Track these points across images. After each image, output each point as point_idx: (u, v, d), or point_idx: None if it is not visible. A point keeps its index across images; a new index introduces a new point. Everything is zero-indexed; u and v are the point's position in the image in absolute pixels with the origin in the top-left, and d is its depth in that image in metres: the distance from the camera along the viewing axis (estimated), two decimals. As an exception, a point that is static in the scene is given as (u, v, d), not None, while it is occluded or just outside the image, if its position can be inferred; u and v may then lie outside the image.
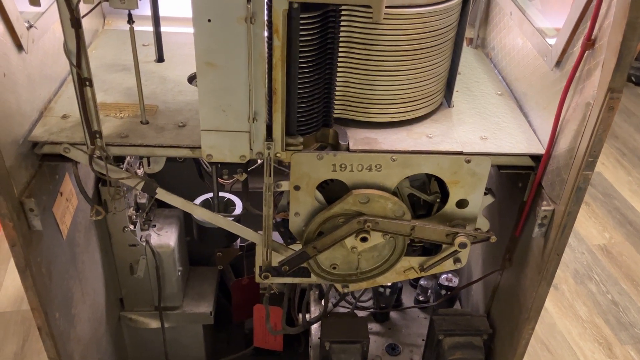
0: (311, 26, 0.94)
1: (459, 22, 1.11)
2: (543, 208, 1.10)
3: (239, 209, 1.40)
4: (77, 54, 0.91)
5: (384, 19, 0.95)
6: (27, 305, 2.11)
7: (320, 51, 0.97)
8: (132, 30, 0.99)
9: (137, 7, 0.92)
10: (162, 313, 1.62)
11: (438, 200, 1.12)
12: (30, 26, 1.06)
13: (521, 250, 1.23)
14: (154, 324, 1.65)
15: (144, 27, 1.30)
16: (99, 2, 0.94)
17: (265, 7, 0.89)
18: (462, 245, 1.10)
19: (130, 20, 0.98)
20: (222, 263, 1.41)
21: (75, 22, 0.88)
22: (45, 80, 1.14)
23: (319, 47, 0.97)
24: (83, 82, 0.94)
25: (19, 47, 1.01)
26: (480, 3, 1.44)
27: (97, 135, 0.99)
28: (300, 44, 0.95)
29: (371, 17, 0.90)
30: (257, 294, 1.69)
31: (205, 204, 1.38)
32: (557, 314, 2.24)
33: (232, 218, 1.24)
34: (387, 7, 0.90)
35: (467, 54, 1.44)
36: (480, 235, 1.12)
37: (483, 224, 1.14)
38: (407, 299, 1.71)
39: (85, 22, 0.89)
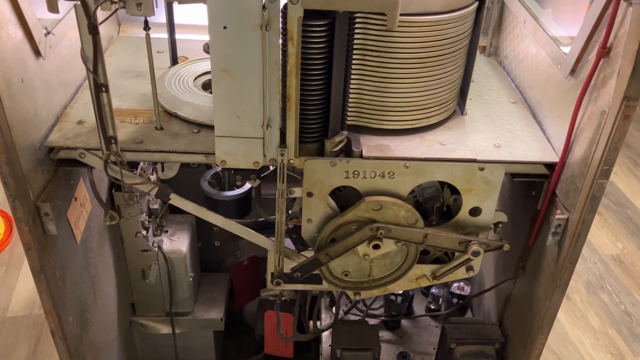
0: (324, 33, 0.94)
1: (473, 30, 1.11)
2: (557, 216, 1.09)
3: (247, 185, 1.36)
4: (94, 60, 0.92)
5: (398, 26, 0.95)
6: (39, 310, 2.13)
7: (332, 58, 0.97)
8: (148, 37, 1.00)
9: (154, 14, 0.93)
10: (173, 319, 1.63)
11: (434, 224, 1.13)
12: (48, 33, 1.07)
13: (534, 258, 1.22)
14: (165, 329, 1.65)
15: (159, 34, 1.31)
16: (116, 9, 0.94)
17: (280, 14, 0.89)
18: (476, 253, 1.10)
19: (147, 27, 0.99)
20: (220, 239, 1.30)
21: (92, 28, 0.89)
22: (61, 86, 1.15)
23: (331, 54, 0.97)
24: (99, 87, 0.95)
25: (37, 53, 1.03)
26: (494, 11, 1.44)
27: (113, 141, 1.00)
28: (314, 51, 0.95)
29: (385, 25, 0.90)
30: (259, 276, 1.65)
31: (215, 177, 1.37)
32: (569, 324, 2.23)
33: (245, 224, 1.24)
34: (401, 14, 0.91)
35: (480, 62, 1.44)
36: (493, 244, 1.12)
37: (500, 217, 1.14)
38: (419, 307, 1.70)
39: (101, 29, 0.90)
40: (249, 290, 1.62)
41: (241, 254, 1.80)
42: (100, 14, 0.89)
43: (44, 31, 1.06)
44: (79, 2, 0.86)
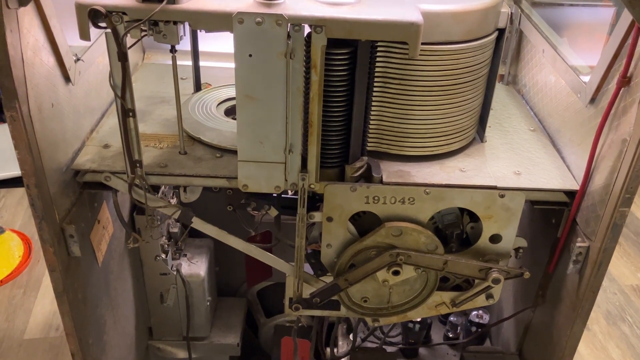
0: (346, 61, 0.96)
1: (492, 58, 1.12)
2: (578, 244, 1.09)
3: None
4: (123, 86, 0.94)
5: (420, 55, 0.96)
6: (55, 333, 2.14)
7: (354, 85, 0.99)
8: (174, 60, 1.02)
9: (179, 43, 0.96)
10: (190, 343, 1.63)
11: (454, 250, 1.13)
12: (78, 59, 1.10)
13: (555, 287, 1.21)
14: (182, 353, 1.65)
15: (182, 62, 1.33)
16: (143, 36, 0.97)
17: (304, 43, 0.92)
18: (496, 281, 1.10)
19: (173, 50, 1.01)
20: (234, 203, 1.19)
21: (122, 55, 0.91)
22: (88, 111, 1.18)
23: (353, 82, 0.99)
24: (127, 113, 0.97)
25: (67, 79, 1.06)
26: (512, 40, 1.46)
27: (138, 165, 1.02)
28: (336, 78, 0.97)
29: (407, 53, 0.92)
30: (270, 251, 1.56)
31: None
32: (589, 356, 2.18)
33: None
34: (422, 43, 0.92)
35: (499, 91, 1.45)
36: (513, 271, 1.11)
37: (520, 242, 1.14)
38: (437, 335, 1.68)
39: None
40: (262, 269, 1.56)
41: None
42: (128, 40, 0.92)
43: (74, 58, 1.09)
44: (109, 30, 0.89)
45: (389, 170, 1.09)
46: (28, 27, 0.90)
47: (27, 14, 0.90)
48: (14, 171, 2.83)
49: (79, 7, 0.86)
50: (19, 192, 2.84)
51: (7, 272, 2.36)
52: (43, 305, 2.25)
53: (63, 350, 2.06)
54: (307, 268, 1.19)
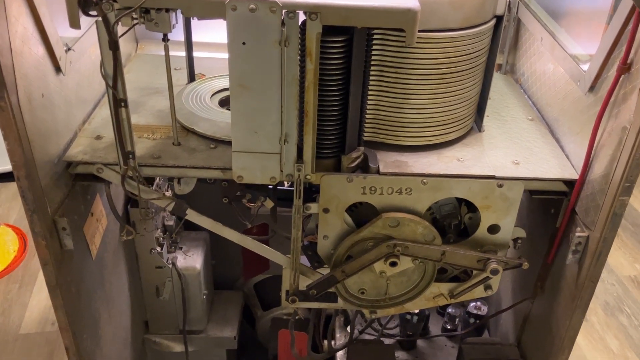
0: (342, 49, 0.94)
1: (490, 46, 1.11)
2: (577, 234, 1.07)
3: None
4: (114, 75, 0.93)
5: (416, 42, 0.95)
6: (52, 327, 2.13)
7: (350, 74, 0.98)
8: (166, 48, 1.00)
9: (171, 31, 0.94)
10: (186, 336, 1.62)
11: (451, 241, 1.12)
12: (69, 49, 1.08)
13: (554, 277, 1.20)
14: (178, 347, 1.64)
15: (176, 52, 1.31)
16: (134, 24, 0.95)
17: (299, 30, 0.90)
18: (494, 272, 1.09)
19: (165, 38, 1.00)
20: (229, 195, 1.16)
21: (112, 44, 0.90)
22: (80, 101, 1.16)
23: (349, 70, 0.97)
24: (118, 103, 0.95)
25: (57, 69, 1.04)
26: (510, 29, 1.44)
27: (130, 156, 1.01)
28: (332, 67, 0.95)
29: (404, 41, 0.90)
30: (267, 244, 1.57)
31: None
32: (587, 347, 2.18)
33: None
34: (419, 30, 0.91)
35: (497, 80, 1.44)
36: (512, 262, 1.10)
37: (519, 232, 1.13)
38: (435, 327, 1.68)
39: (120, 46, 0.91)
40: (258, 262, 1.54)
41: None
42: (119, 29, 0.90)
43: (65, 47, 1.07)
44: (100, 19, 0.87)
45: (386, 161, 1.07)
46: (16, 16, 0.88)
47: (15, 2, 0.88)
48: (8, 165, 2.81)
49: (69, -5, 0.84)
50: (14, 187, 2.82)
51: (2, 267, 2.34)
52: (39, 300, 2.24)
53: (59, 345, 2.05)
54: (304, 260, 1.18)
